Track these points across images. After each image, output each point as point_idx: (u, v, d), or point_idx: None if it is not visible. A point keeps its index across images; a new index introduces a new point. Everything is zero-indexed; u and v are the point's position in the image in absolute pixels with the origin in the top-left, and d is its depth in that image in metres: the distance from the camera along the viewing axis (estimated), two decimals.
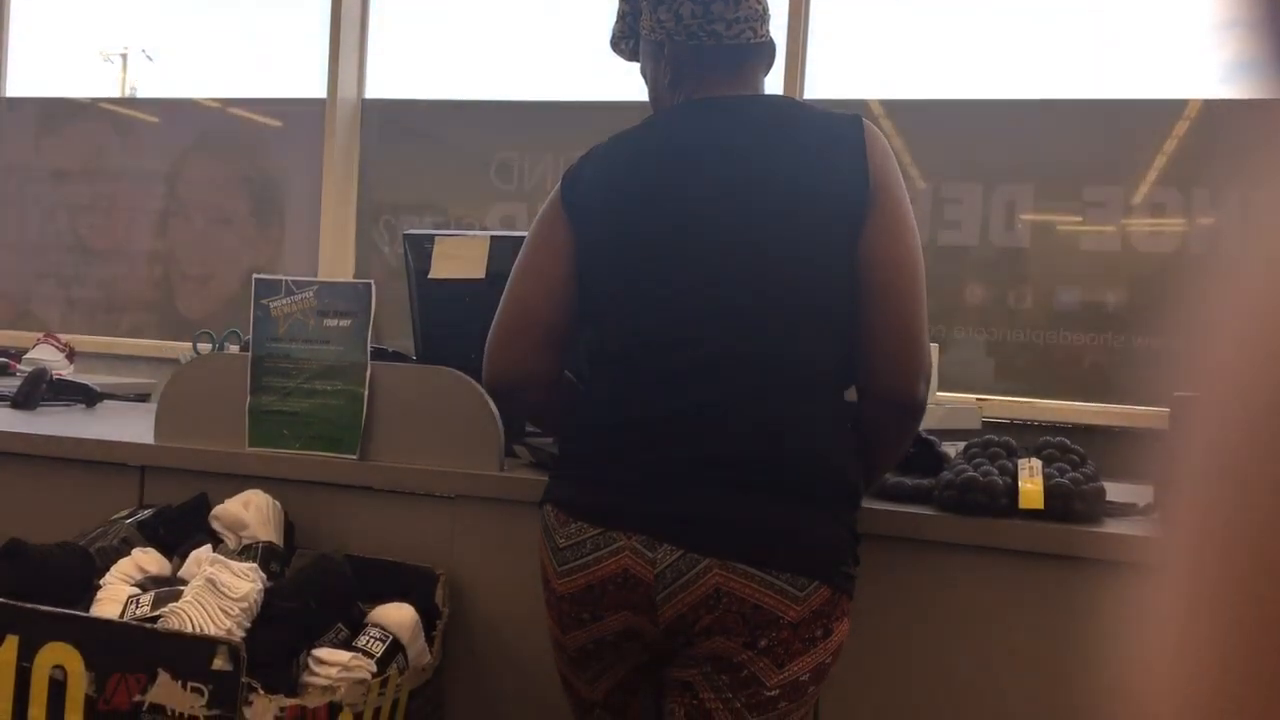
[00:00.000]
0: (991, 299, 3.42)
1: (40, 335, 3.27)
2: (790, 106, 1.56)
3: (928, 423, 1.72)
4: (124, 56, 6.27)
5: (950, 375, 3.10)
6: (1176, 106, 3.24)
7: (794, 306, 1.44)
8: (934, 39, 3.65)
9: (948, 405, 2.31)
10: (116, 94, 5.06)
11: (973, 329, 3.40)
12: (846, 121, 1.49)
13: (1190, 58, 3.24)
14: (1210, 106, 3.16)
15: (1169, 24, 3.31)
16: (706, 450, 1.41)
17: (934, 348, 1.99)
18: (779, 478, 1.41)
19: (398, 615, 1.68)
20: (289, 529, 1.86)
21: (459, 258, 2.04)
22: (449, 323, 2.12)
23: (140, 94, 4.91)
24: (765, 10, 1.56)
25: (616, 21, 1.65)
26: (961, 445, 1.77)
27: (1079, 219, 3.37)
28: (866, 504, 1.55)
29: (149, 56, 4.97)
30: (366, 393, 1.90)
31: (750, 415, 1.42)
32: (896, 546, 1.63)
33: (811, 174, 1.46)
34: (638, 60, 1.64)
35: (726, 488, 1.40)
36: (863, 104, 3.53)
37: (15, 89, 4.39)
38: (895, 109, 3.55)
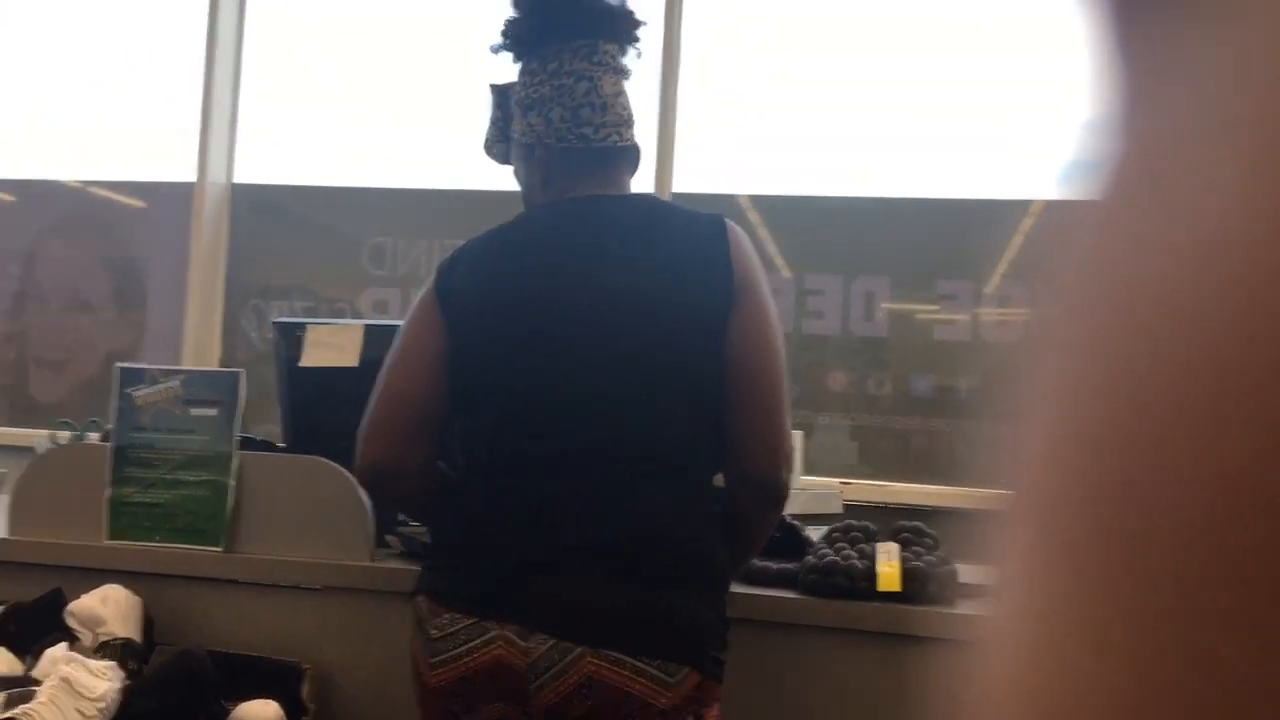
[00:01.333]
0: (853, 385, 3.54)
1: None
2: (656, 206, 1.63)
3: (791, 507, 1.78)
4: None
5: (814, 459, 3.20)
6: (1022, 206, 3.46)
7: (660, 398, 1.49)
8: (798, 136, 3.81)
9: (811, 490, 2.38)
10: None
11: (836, 414, 3.52)
12: (710, 221, 1.56)
13: (1035, 160, 3.46)
14: (1051, 206, 3.37)
15: (1017, 127, 3.54)
16: (577, 539, 1.44)
17: (797, 434, 2.07)
18: (648, 565, 1.44)
19: (262, 713, 1.64)
20: (149, 624, 1.81)
21: (332, 346, 2.04)
22: (319, 411, 2.10)
23: None
24: (631, 116, 1.63)
25: (489, 126, 1.70)
26: (824, 529, 1.84)
27: (935, 308, 3.54)
28: (733, 588, 1.60)
29: (4, 134, 4.84)
30: (233, 483, 1.87)
31: (618, 504, 1.45)
32: (762, 630, 1.67)
33: (676, 271, 1.52)
34: (510, 164, 1.69)
35: (597, 575, 1.43)
36: (730, 198, 3.65)
37: None
38: (761, 203, 3.68)
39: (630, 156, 1.64)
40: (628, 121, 1.62)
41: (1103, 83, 0.21)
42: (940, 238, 3.53)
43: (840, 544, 1.69)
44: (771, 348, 1.52)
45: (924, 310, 3.57)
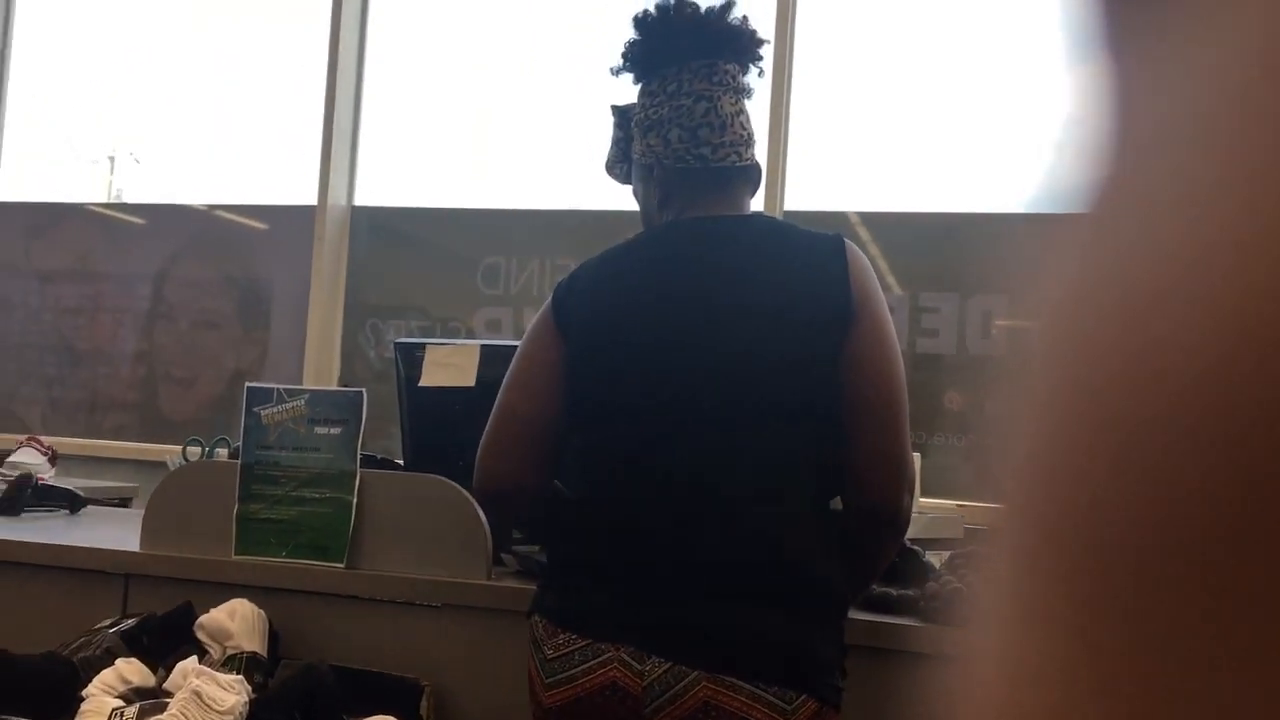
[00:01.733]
0: (970, 405, 3.47)
1: (23, 438, 3.26)
2: (775, 226, 1.62)
3: (911, 531, 1.74)
4: (111, 160, 6.37)
5: (930, 481, 3.13)
6: None
7: (777, 420, 1.47)
8: (909, 152, 3.76)
9: (930, 514, 2.33)
10: (103, 197, 5.13)
11: (952, 434, 3.44)
12: (829, 241, 1.54)
13: None
14: (1039, 217, 3.25)
15: None
16: (695, 561, 1.43)
17: (916, 457, 2.02)
18: (768, 589, 1.43)
19: None
20: (274, 638, 1.85)
21: (450, 366, 2.07)
22: (438, 430, 2.14)
23: (126, 197, 4.98)
24: (750, 135, 1.62)
25: (611, 147, 1.71)
26: (945, 555, 1.79)
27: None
28: (852, 615, 1.57)
29: (136, 160, 5.05)
30: (355, 501, 1.91)
31: (735, 527, 1.44)
32: (883, 657, 1.64)
33: (795, 291, 1.50)
34: (630, 184, 1.70)
35: (715, 599, 1.42)
36: (841, 215, 3.62)
37: (4, 193, 4.44)
38: (872, 220, 3.64)
39: (750, 176, 1.63)
40: (747, 141, 1.61)
41: (1091, 86, 0.21)
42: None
43: (964, 570, 1.65)
44: (891, 370, 1.49)
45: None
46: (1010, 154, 3.60)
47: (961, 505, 3.22)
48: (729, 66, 1.59)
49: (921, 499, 2.73)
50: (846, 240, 1.54)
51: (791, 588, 1.44)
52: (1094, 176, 0.20)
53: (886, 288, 3.46)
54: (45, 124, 4.58)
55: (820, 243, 1.54)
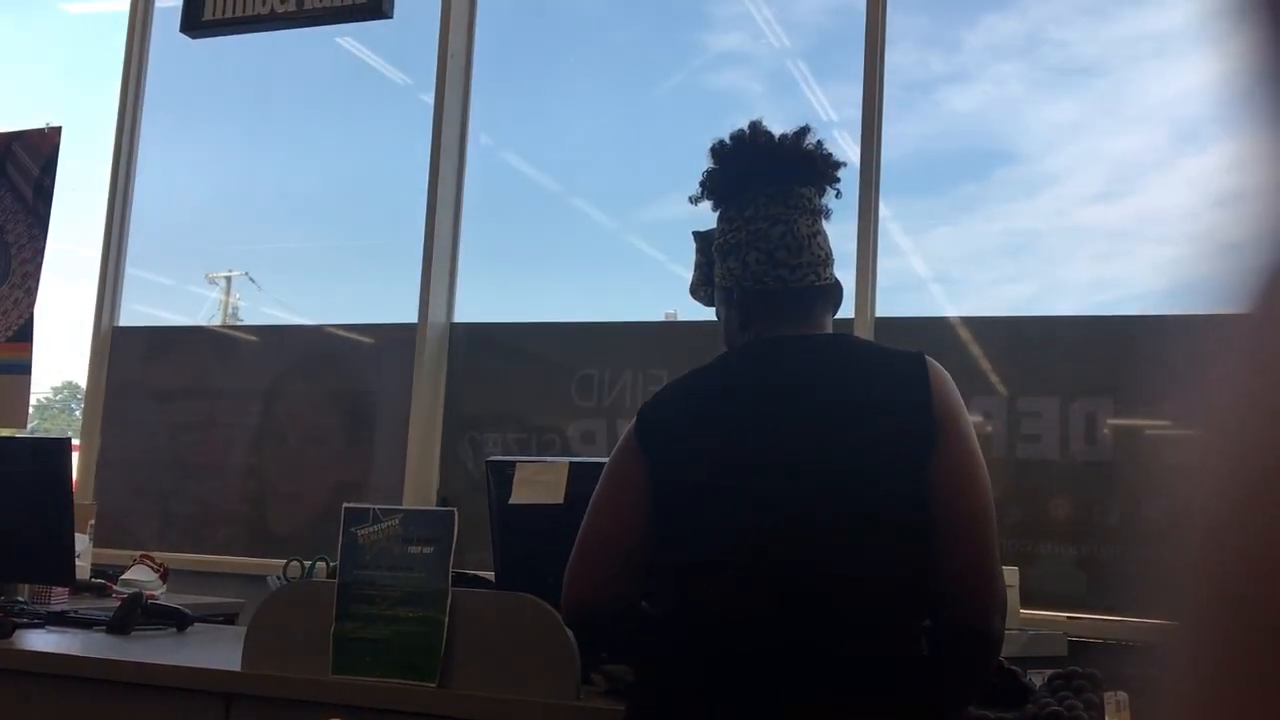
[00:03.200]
0: (1078, 512, 3.36)
1: (137, 555, 3.37)
2: (854, 346, 1.62)
3: (1010, 649, 1.69)
4: (228, 279, 6.66)
5: (1036, 592, 3.03)
6: None
7: (865, 544, 1.46)
8: (1002, 253, 3.73)
9: (1031, 631, 2.26)
10: (220, 317, 5.36)
11: (1060, 543, 3.34)
12: (910, 358, 1.54)
13: None
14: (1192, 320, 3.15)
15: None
16: (792, 688, 1.41)
17: (1012, 570, 1.97)
18: (869, 711, 1.40)
19: None
20: None
21: (539, 483, 2.10)
22: (528, 546, 2.16)
23: (243, 315, 5.19)
24: (827, 255, 1.64)
25: (694, 271, 1.75)
26: (1046, 675, 1.73)
27: (1163, 424, 3.34)
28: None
29: (253, 279, 5.28)
30: (447, 620, 1.93)
31: (836, 652, 1.42)
32: None
33: (877, 409, 1.50)
34: (714, 306, 1.72)
35: (816, 717, 1.39)
36: (940, 321, 3.59)
37: (129, 316, 4.67)
38: (972, 324, 3.60)
39: (829, 295, 1.64)
40: (825, 260, 1.62)
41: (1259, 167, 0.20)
42: (1162, 355, 3.34)
43: (1063, 692, 1.59)
44: (978, 487, 1.47)
45: (1153, 427, 3.37)
46: (1114, 254, 3.55)
47: (1072, 617, 3.10)
48: (804, 190, 1.62)
49: (1024, 610, 2.64)
50: (927, 357, 1.54)
51: (888, 715, 1.40)
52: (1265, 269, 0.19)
53: (990, 390, 3.41)
54: (167, 249, 4.82)
55: (901, 361, 1.54)
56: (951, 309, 3.65)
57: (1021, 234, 3.78)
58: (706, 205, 1.71)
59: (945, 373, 1.53)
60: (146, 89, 4.73)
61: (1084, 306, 3.54)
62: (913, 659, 1.45)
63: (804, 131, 1.64)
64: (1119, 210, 3.60)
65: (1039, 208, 3.73)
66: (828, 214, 1.66)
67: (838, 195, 1.68)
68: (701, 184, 1.68)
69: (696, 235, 1.74)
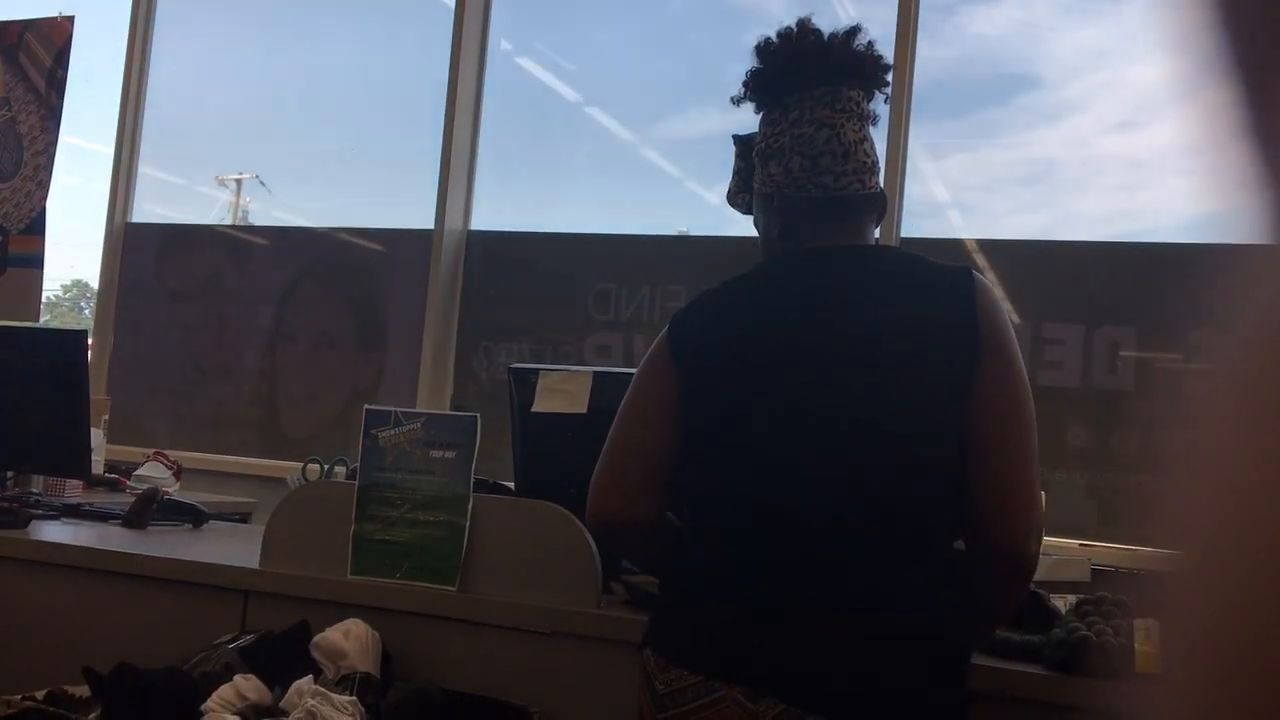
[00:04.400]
0: (1094, 440, 3.35)
1: (150, 452, 3.37)
2: (901, 258, 1.57)
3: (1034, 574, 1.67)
4: (239, 182, 6.58)
5: (1053, 520, 3.02)
6: None
7: (899, 461, 1.43)
8: (1030, 177, 3.67)
9: (1056, 556, 2.25)
10: (230, 219, 5.30)
11: (1075, 471, 3.33)
12: (957, 274, 1.50)
13: None
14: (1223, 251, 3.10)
15: None
16: (814, 605, 1.40)
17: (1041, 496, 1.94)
18: (889, 636, 1.38)
19: None
20: (387, 660, 1.87)
21: (563, 392, 2.08)
22: (549, 456, 2.14)
23: (254, 218, 5.13)
24: (874, 162, 1.58)
25: (733, 177, 1.69)
26: (1071, 599, 1.72)
27: (1182, 357, 3.30)
28: (978, 660, 1.51)
29: (263, 183, 5.21)
30: (468, 525, 1.92)
31: (860, 571, 1.40)
32: (1005, 706, 1.58)
33: (921, 325, 1.46)
34: (752, 214, 1.67)
35: (833, 643, 1.38)
36: (957, 243, 3.54)
37: (138, 215, 4.62)
38: (990, 248, 3.55)
39: (873, 204, 1.59)
40: (871, 168, 1.57)
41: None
42: (1191, 284, 3.30)
43: (1092, 617, 1.58)
44: (1020, 409, 1.44)
45: (1171, 360, 3.34)
46: (1137, 181, 3.49)
47: (1085, 545, 3.10)
48: (853, 93, 1.56)
49: (1045, 539, 2.63)
50: (975, 273, 1.50)
51: (914, 635, 1.39)
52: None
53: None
54: (179, 148, 4.75)
55: (948, 276, 1.50)
56: (968, 235, 3.60)
57: (1040, 163, 3.71)
58: (741, 113, 1.65)
59: (993, 291, 1.49)
60: None
61: (1101, 236, 3.48)
62: (940, 581, 1.44)
63: (854, 31, 1.58)
64: (1139, 140, 3.53)
65: (1060, 135, 3.65)
66: (875, 119, 1.60)
67: (886, 100, 1.62)
68: (744, 84, 1.61)
69: (736, 139, 1.68)
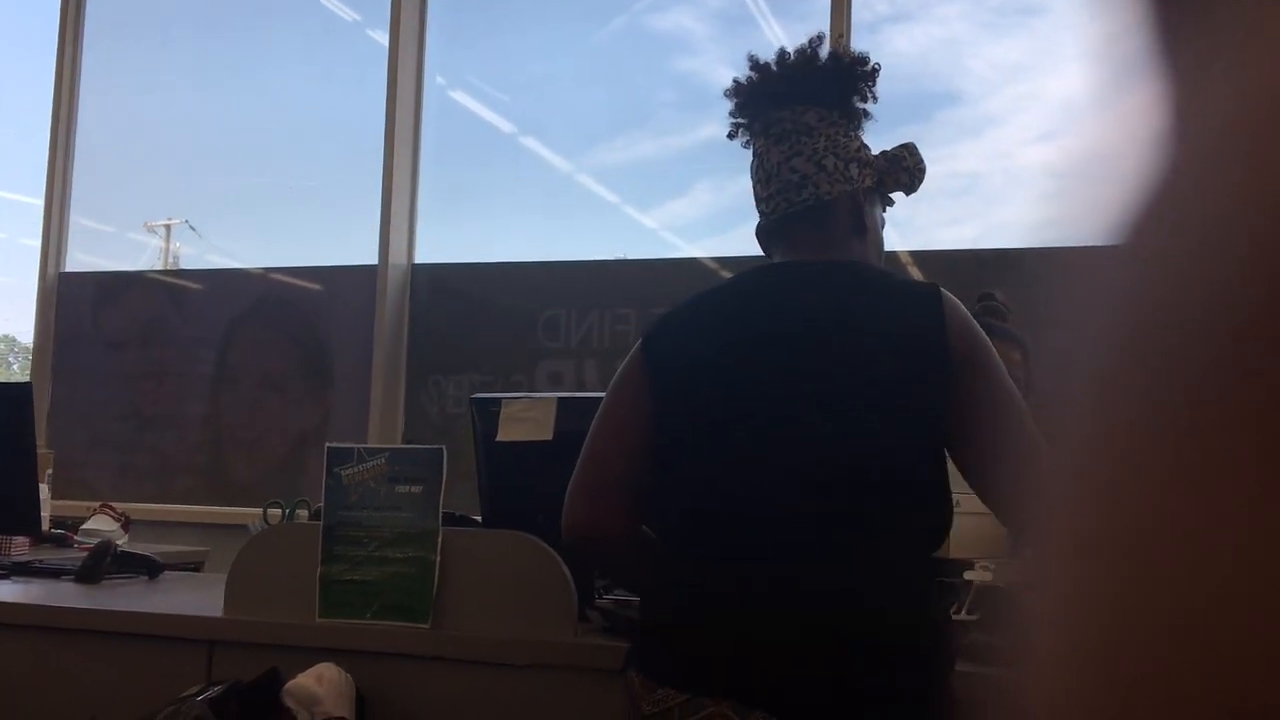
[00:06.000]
0: None
1: (96, 505, 3.29)
2: (859, 273, 1.57)
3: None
4: (168, 227, 6.48)
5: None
6: None
7: (879, 472, 1.43)
8: (957, 192, 3.73)
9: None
10: (161, 265, 5.20)
11: None
12: (921, 290, 1.51)
13: None
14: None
15: None
16: (799, 614, 1.39)
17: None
18: (873, 644, 1.38)
19: None
20: (361, 702, 1.83)
21: (527, 420, 2.06)
22: (517, 485, 2.12)
23: (185, 263, 5.05)
24: (807, 174, 1.57)
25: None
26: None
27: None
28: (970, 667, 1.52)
29: (193, 227, 5.13)
30: (438, 559, 1.89)
31: (840, 582, 1.40)
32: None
33: (883, 341, 1.47)
34: None
35: (818, 654, 1.38)
36: (894, 255, 3.58)
37: (73, 264, 4.53)
38: (924, 260, 3.60)
39: (815, 217, 1.59)
40: (798, 184, 1.58)
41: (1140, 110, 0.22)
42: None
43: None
44: (1011, 418, 1.45)
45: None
46: (1057, 194, 3.56)
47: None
48: (780, 113, 1.60)
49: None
50: (943, 291, 1.50)
51: (899, 643, 1.39)
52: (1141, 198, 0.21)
53: None
54: (109, 195, 4.66)
55: (912, 292, 1.51)
56: (903, 247, 3.65)
57: (965, 177, 3.78)
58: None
59: (962, 307, 1.50)
60: (86, 23, 4.55)
61: (1030, 243, 3.55)
62: (924, 591, 1.45)
63: (782, 53, 1.62)
64: (1060, 150, 3.61)
65: (982, 149, 3.73)
66: (812, 132, 1.59)
67: (864, 99, 1.63)
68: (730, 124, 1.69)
69: None
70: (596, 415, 1.60)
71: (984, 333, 1.49)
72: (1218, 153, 0.19)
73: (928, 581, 1.45)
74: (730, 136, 1.68)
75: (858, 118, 1.63)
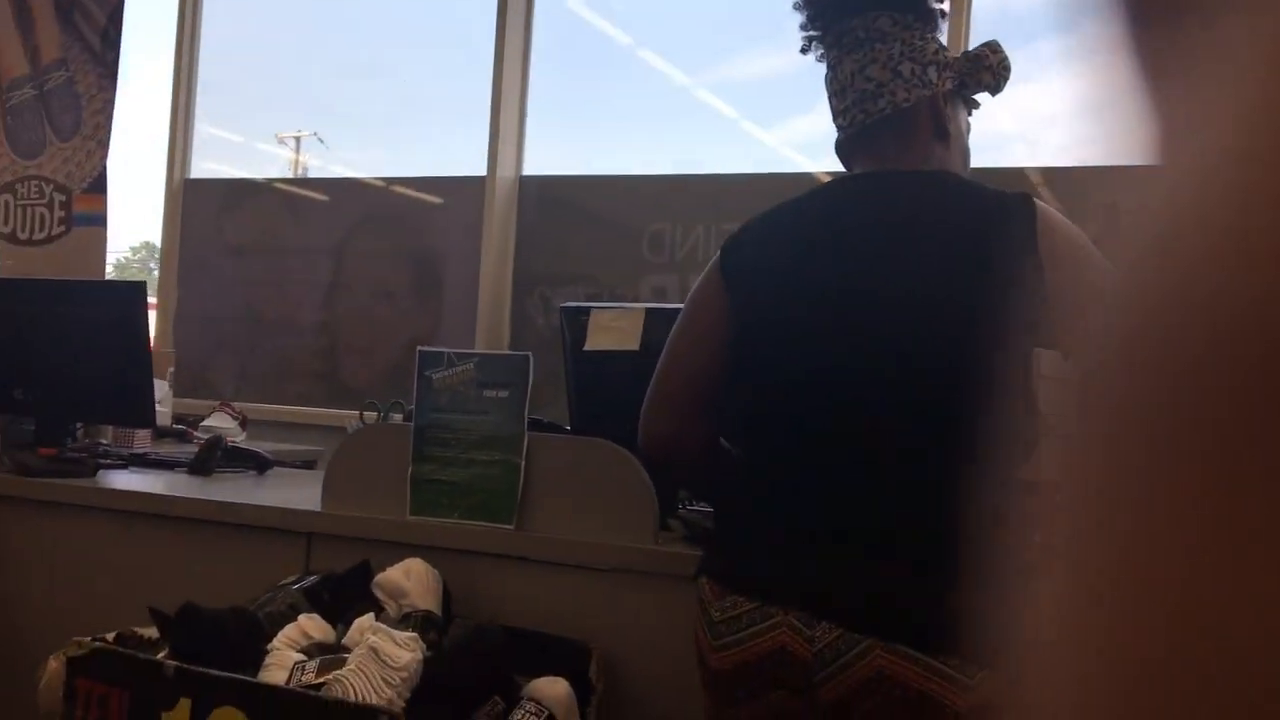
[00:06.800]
0: None
1: (216, 403, 3.43)
2: (951, 182, 1.51)
3: None
4: (298, 139, 6.63)
5: None
6: None
7: (955, 380, 1.39)
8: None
9: None
10: (290, 174, 5.34)
11: None
12: (1015, 200, 1.44)
13: None
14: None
15: None
16: (869, 526, 1.38)
17: None
18: (947, 558, 1.36)
19: (553, 690, 1.67)
20: (447, 597, 1.89)
21: (615, 330, 2.06)
22: (603, 394, 2.13)
23: (312, 174, 5.17)
24: (882, 83, 1.51)
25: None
26: None
27: None
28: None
29: (321, 139, 5.24)
30: (523, 463, 1.92)
31: (917, 494, 1.37)
32: None
33: (973, 253, 1.42)
34: None
35: (889, 566, 1.36)
36: (1019, 172, 3.45)
37: (199, 171, 4.67)
38: (1055, 178, 3.46)
39: (893, 124, 1.53)
40: (872, 94, 1.52)
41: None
42: None
43: None
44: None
45: None
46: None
47: None
48: (852, 21, 1.53)
49: None
50: (1036, 200, 1.43)
51: (969, 555, 1.37)
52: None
53: None
54: (236, 105, 4.78)
55: (1000, 198, 1.45)
56: (1034, 159, 3.51)
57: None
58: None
59: (1056, 215, 1.43)
60: None
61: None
62: (981, 511, 1.41)
63: None
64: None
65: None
66: (887, 38, 1.51)
67: (914, 16, 1.55)
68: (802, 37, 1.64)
69: None
70: (675, 326, 1.59)
71: (1088, 241, 1.42)
72: (1216, 154, 0.19)
73: (1006, 493, 1.41)
74: (803, 51, 1.62)
75: (933, 19, 1.55)
